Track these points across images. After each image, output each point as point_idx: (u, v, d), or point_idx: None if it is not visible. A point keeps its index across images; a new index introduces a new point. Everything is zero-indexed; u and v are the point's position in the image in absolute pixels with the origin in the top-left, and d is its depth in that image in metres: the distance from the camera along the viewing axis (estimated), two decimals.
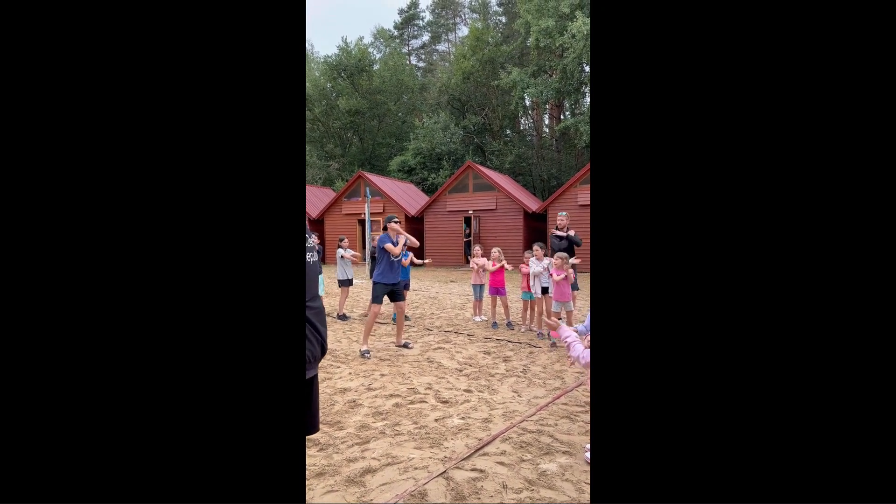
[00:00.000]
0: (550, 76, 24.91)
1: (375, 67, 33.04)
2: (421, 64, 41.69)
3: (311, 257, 1.70)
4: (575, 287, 5.82)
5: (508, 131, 30.26)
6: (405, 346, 5.30)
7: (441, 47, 41.79)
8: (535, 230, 17.00)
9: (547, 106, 28.44)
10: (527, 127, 32.06)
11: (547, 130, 29.82)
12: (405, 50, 41.16)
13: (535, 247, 6.00)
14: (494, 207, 16.86)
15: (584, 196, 15.13)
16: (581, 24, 19.57)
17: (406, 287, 6.51)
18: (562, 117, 27.58)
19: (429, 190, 24.48)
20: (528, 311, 6.31)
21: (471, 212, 17.40)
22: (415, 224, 18.28)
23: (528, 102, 28.21)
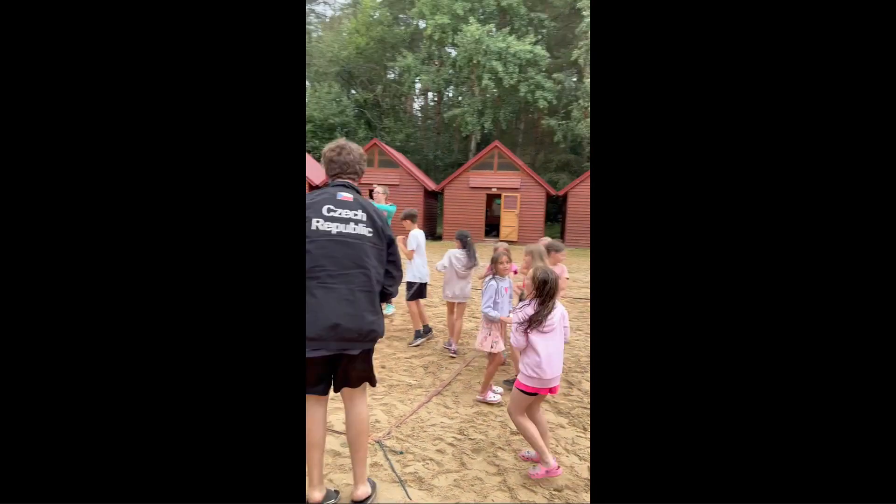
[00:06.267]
0: (439, 67, 27.64)
1: None
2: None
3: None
4: None
5: (398, 110, 32.30)
6: None
7: (318, 8, 41.08)
8: (431, 206, 19.87)
9: (430, 93, 31.19)
10: (414, 109, 34.41)
11: (432, 115, 32.59)
12: None
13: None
14: (398, 183, 19.14)
15: (475, 179, 18.42)
16: (475, 28, 22.73)
17: None
18: (442, 103, 30.73)
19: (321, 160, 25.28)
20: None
21: (375, 186, 19.35)
22: None
23: (418, 86, 30.57)
